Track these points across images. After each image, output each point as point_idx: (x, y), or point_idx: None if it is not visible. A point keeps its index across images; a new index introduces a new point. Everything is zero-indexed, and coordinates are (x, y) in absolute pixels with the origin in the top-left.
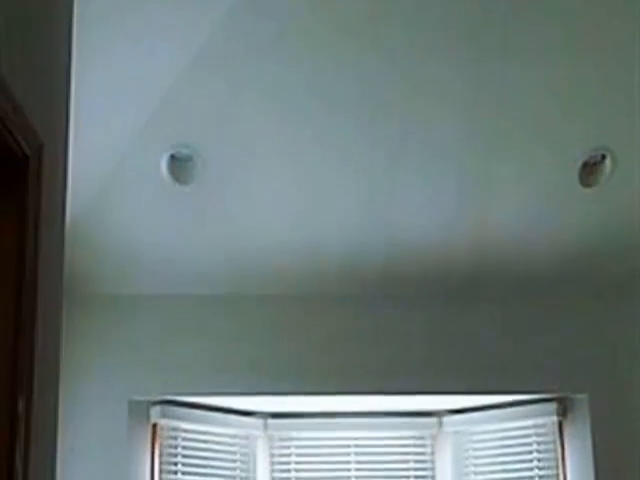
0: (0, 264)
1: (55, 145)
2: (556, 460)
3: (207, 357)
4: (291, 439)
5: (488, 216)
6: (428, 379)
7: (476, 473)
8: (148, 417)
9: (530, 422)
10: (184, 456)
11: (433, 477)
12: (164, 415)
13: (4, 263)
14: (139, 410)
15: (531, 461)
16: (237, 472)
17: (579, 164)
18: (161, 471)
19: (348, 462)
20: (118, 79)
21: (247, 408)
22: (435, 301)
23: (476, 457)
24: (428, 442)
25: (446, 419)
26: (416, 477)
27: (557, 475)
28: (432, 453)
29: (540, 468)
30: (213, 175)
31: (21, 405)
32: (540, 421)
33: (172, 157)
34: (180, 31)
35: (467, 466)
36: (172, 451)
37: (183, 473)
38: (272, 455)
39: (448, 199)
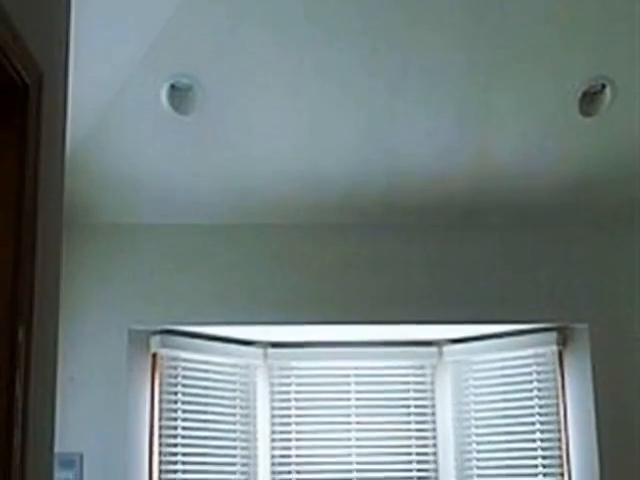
0: (0, 193)
1: (55, 74)
2: (556, 389)
3: (207, 286)
4: (291, 368)
5: (488, 145)
6: (428, 308)
7: (476, 402)
8: (148, 347)
9: (530, 351)
10: (184, 385)
11: (433, 406)
12: (164, 345)
13: (4, 192)
14: (139, 340)
15: (531, 390)
16: (237, 401)
17: (579, 94)
18: (161, 400)
19: (348, 391)
20: (119, 8)
21: (247, 337)
22: (435, 230)
23: (476, 386)
24: (428, 371)
25: (446, 348)
26: (416, 406)
27: (557, 404)
28: (432, 382)
29: (540, 397)
30: (213, 105)
31: (21, 334)
32: (540, 350)
33: (172, 87)
34: None
35: (467, 395)
36: (172, 381)
37: (183, 402)
38: (272, 384)
39: (448, 129)
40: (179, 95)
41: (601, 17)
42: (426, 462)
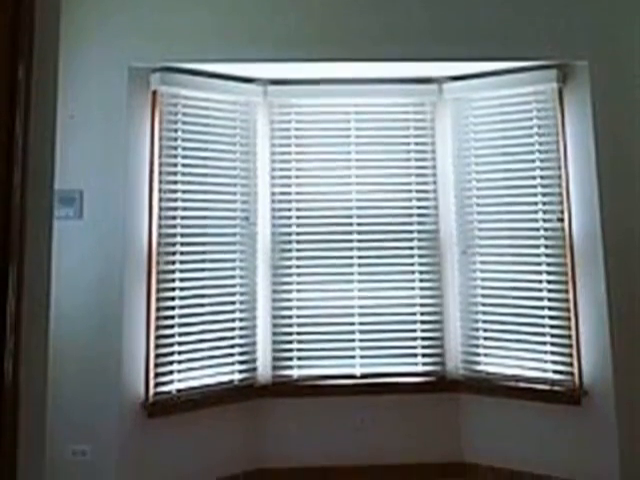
0: None
1: None
2: (556, 127)
3: (207, 23)
4: (291, 105)
5: None
6: (428, 46)
7: (476, 140)
8: (148, 84)
9: (530, 89)
10: (184, 123)
11: (433, 144)
12: (164, 82)
13: None
14: (139, 77)
15: (531, 128)
16: (237, 139)
17: None
18: (161, 138)
19: (348, 129)
20: None
21: (247, 75)
22: None
23: (476, 124)
24: (428, 109)
25: (446, 86)
26: (416, 144)
27: (557, 142)
28: (432, 120)
29: (540, 135)
30: None
31: (21, 71)
32: (540, 88)
33: None
34: None
35: (467, 133)
36: (172, 118)
37: (183, 140)
38: (272, 122)
39: None
40: None
41: None
42: (426, 199)
